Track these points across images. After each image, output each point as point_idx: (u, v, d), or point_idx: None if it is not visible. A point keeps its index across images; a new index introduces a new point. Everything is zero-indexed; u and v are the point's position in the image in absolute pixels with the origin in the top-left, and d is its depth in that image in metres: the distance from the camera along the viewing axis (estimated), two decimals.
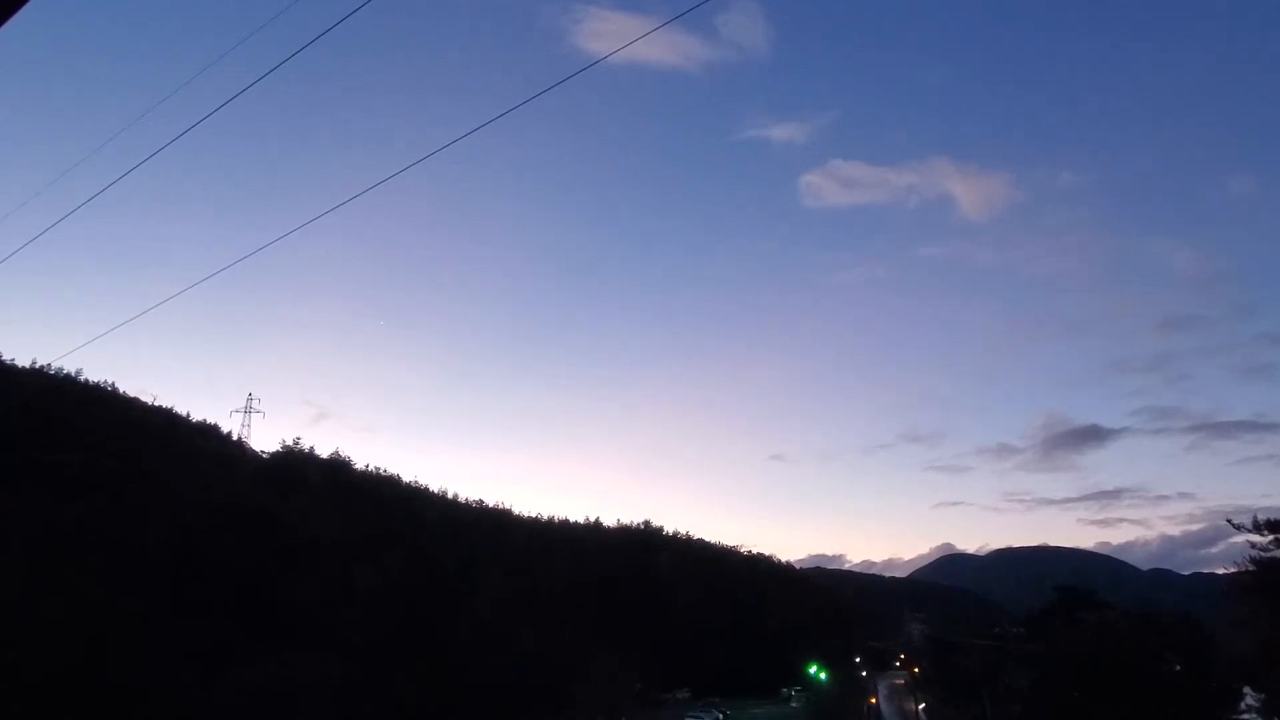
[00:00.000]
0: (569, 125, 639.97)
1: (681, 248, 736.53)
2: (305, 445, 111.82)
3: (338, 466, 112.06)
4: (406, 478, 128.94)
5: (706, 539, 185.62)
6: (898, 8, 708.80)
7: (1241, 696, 56.31)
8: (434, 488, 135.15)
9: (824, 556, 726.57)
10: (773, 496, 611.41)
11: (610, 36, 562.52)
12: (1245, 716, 55.27)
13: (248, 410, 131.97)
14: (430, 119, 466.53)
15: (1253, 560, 53.37)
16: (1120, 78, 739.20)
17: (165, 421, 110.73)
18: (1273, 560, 52.64)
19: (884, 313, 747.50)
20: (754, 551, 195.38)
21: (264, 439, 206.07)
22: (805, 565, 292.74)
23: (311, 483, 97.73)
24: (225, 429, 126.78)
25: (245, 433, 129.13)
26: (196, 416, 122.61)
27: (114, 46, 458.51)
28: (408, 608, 78.68)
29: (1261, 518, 53.07)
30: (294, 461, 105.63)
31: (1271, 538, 52.57)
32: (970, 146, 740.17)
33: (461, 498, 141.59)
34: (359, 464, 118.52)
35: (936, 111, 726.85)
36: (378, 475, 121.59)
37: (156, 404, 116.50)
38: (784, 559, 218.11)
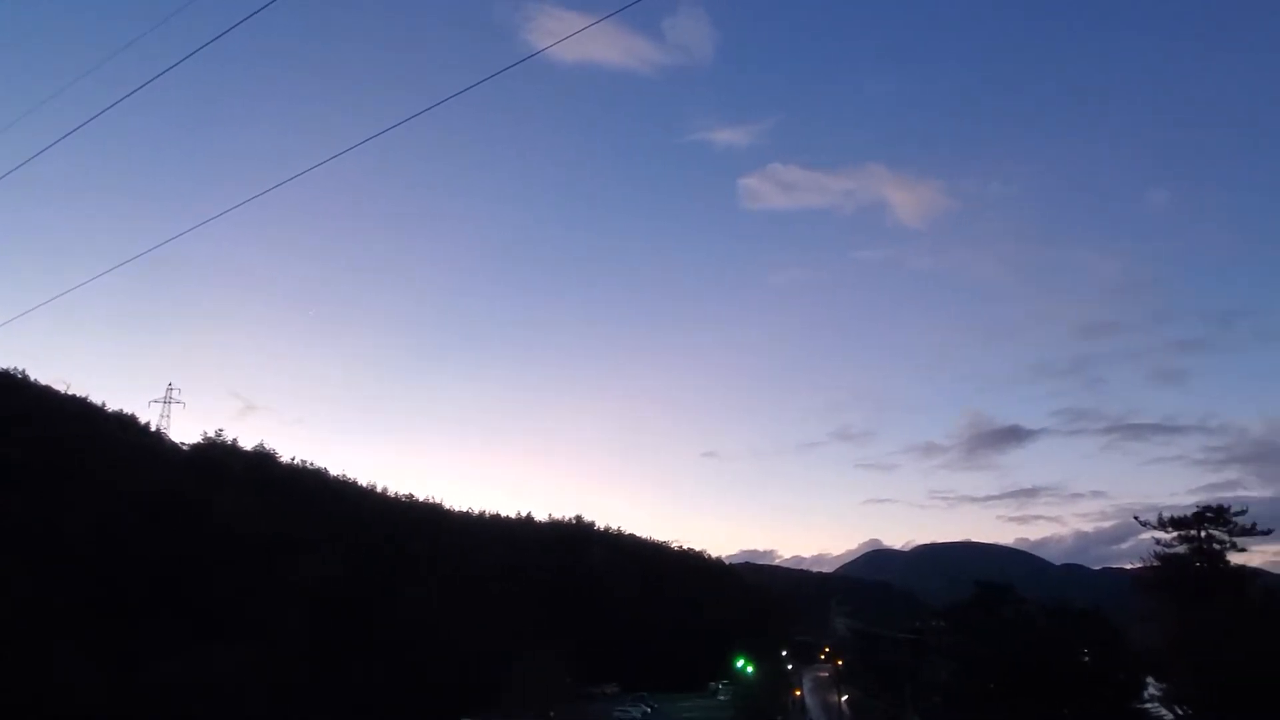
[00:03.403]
0: (513, 120, 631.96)
1: (619, 245, 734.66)
2: (229, 437, 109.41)
3: (262, 459, 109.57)
4: (335, 471, 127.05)
5: (639, 535, 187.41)
6: (840, 18, 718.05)
7: (1146, 686, 58.86)
8: (363, 481, 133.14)
9: (755, 552, 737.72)
10: (705, 493, 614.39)
11: (562, 35, 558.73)
12: (1149, 705, 57.78)
13: (167, 400, 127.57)
14: (369, 111, 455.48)
15: (1158, 556, 56.57)
16: (1047, 94, 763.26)
17: (80, 411, 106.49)
18: (1176, 556, 55.67)
19: (819, 314, 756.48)
20: (686, 547, 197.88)
21: (186, 431, 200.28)
22: (736, 561, 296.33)
23: (236, 475, 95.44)
24: (144, 420, 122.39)
25: (165, 424, 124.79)
26: (113, 406, 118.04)
27: (31, 20, 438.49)
28: (339, 601, 77.53)
29: (1166, 516, 56.28)
30: (216, 454, 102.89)
31: (1175, 534, 55.62)
32: (905, 154, 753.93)
33: (391, 492, 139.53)
34: (286, 457, 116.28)
35: (873, 120, 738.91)
36: (304, 468, 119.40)
37: (71, 393, 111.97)
38: (715, 555, 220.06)
